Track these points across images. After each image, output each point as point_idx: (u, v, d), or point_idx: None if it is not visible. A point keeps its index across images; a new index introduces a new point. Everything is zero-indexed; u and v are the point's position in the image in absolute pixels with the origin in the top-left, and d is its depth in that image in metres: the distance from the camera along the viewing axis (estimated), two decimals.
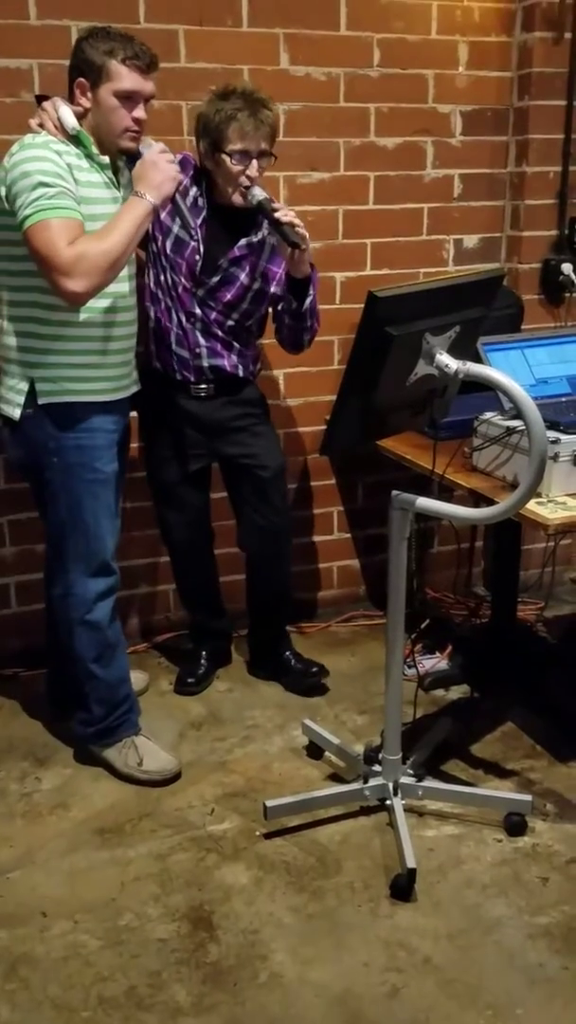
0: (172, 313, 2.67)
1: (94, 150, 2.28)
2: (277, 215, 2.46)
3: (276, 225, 2.46)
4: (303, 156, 3.09)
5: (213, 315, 2.66)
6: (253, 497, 2.84)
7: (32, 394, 2.33)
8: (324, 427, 2.14)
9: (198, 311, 2.65)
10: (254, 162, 2.51)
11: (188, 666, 3.07)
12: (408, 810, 2.36)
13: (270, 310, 2.76)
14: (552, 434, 2.23)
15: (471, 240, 3.40)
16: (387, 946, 2.02)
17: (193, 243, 2.60)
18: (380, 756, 2.39)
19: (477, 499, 2.44)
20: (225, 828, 2.38)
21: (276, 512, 2.86)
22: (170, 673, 3.11)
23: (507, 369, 2.54)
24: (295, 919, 2.10)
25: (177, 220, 2.57)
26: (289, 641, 3.09)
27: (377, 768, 2.40)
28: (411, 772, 2.41)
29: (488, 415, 2.50)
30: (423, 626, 3.20)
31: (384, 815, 2.40)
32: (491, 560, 3.47)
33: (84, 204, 2.22)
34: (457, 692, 3.02)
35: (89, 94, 2.26)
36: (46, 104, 2.29)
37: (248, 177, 2.51)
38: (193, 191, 2.62)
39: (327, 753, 2.64)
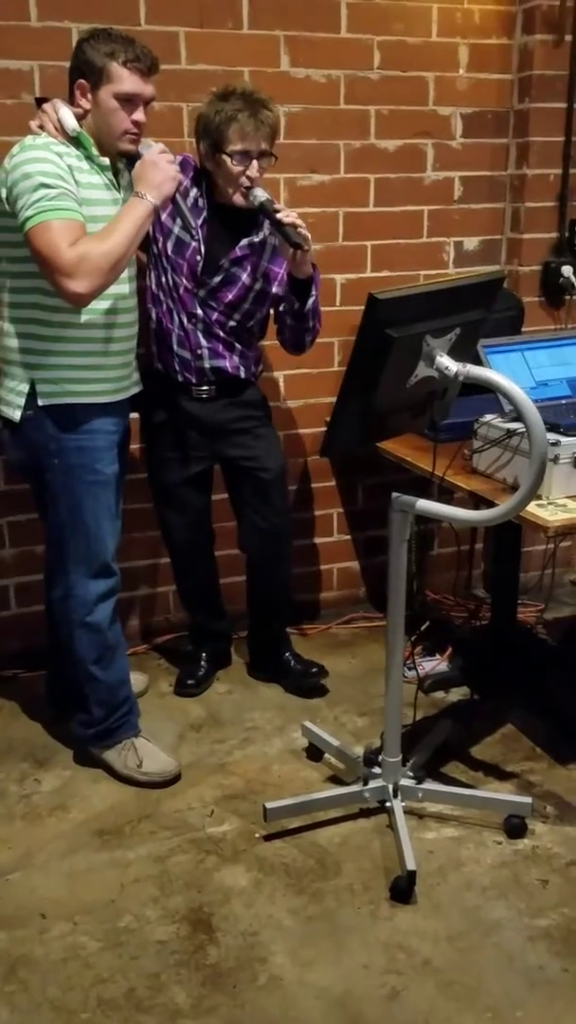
0: (174, 314, 2.67)
1: (94, 152, 2.29)
2: (279, 216, 2.46)
3: (278, 226, 2.47)
4: (303, 158, 3.09)
5: (215, 316, 2.66)
6: (254, 499, 2.84)
7: (33, 395, 2.33)
8: (324, 429, 2.14)
9: (199, 312, 2.65)
10: (255, 162, 2.52)
11: (188, 668, 3.07)
12: (408, 812, 2.36)
13: (271, 311, 2.76)
14: (552, 436, 2.23)
15: (471, 242, 3.40)
16: (387, 948, 2.02)
17: (194, 243, 2.60)
18: (380, 758, 2.39)
19: (477, 501, 2.44)
20: (225, 830, 2.38)
21: (277, 514, 2.86)
22: (170, 675, 3.11)
23: (507, 371, 2.54)
24: (295, 921, 2.10)
25: (178, 221, 2.58)
26: (289, 643, 3.09)
27: (377, 770, 2.40)
28: (411, 774, 2.41)
29: (488, 417, 2.50)
30: (423, 628, 3.20)
31: (384, 817, 2.39)
32: (491, 562, 3.47)
33: (84, 206, 2.22)
34: (457, 694, 3.02)
35: (89, 96, 2.26)
36: (46, 106, 2.29)
37: (249, 178, 2.52)
38: (193, 192, 2.62)
39: (327, 755, 2.64)
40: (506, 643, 3.15)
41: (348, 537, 3.52)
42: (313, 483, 3.42)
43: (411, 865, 2.14)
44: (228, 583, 3.12)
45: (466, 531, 3.52)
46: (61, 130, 2.25)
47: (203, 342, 2.68)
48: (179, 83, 2.87)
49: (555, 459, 2.28)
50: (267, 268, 2.67)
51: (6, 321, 2.34)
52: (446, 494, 2.59)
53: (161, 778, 2.54)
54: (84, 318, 2.30)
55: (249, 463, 2.80)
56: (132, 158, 2.31)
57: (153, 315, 2.71)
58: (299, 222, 2.47)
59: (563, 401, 2.70)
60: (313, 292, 2.62)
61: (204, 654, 3.09)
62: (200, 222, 2.60)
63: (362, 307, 1.85)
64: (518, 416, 1.95)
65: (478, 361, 2.51)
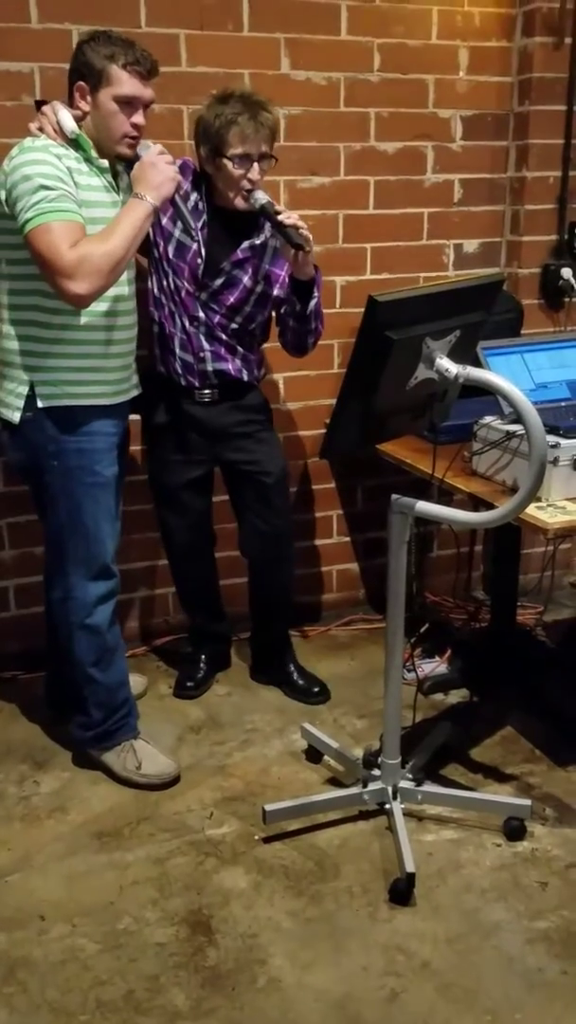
0: (176, 318, 2.67)
1: (93, 154, 2.29)
2: (280, 217, 2.46)
3: (280, 228, 2.47)
4: (303, 161, 3.09)
5: (216, 318, 2.67)
6: (256, 503, 2.83)
7: (32, 397, 2.33)
8: (324, 431, 2.14)
9: (201, 315, 2.66)
10: (255, 165, 2.52)
11: (187, 670, 3.07)
12: (407, 814, 2.36)
13: (273, 314, 2.77)
14: (552, 438, 2.24)
15: (471, 245, 3.41)
16: (386, 950, 2.02)
17: (194, 246, 2.60)
18: (379, 760, 2.39)
19: (477, 503, 2.44)
20: (224, 832, 2.38)
21: (278, 517, 2.86)
22: (169, 677, 3.11)
23: (507, 373, 2.54)
24: (294, 923, 2.10)
25: (178, 224, 2.58)
26: (292, 650, 3.08)
27: (376, 772, 2.40)
28: (410, 776, 2.41)
29: (488, 419, 2.51)
30: (422, 630, 3.19)
31: (383, 819, 2.39)
32: (490, 564, 3.47)
33: (84, 208, 2.22)
34: (456, 696, 3.01)
35: (89, 98, 2.26)
36: (45, 108, 2.29)
37: (250, 180, 2.52)
38: (194, 196, 2.62)
39: (326, 757, 2.64)
40: (505, 645, 3.15)
41: (347, 539, 3.52)
42: (313, 485, 3.42)
43: (410, 867, 2.14)
44: (228, 584, 3.12)
45: (465, 533, 3.52)
46: (60, 132, 2.25)
47: (205, 345, 2.68)
48: (179, 85, 2.87)
49: (554, 461, 2.28)
50: (268, 270, 2.67)
51: (6, 323, 2.34)
52: (446, 496, 2.59)
53: (160, 780, 2.54)
54: (84, 320, 2.30)
55: (251, 467, 2.80)
56: (130, 160, 2.31)
57: (155, 319, 2.71)
58: (300, 223, 2.47)
59: (562, 403, 2.70)
60: (315, 293, 2.62)
61: (203, 656, 3.09)
62: (200, 225, 2.60)
63: (362, 309, 1.85)
64: (518, 418, 1.95)
65: (478, 363, 2.51)
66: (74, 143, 2.27)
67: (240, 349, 2.72)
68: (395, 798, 2.35)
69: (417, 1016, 1.87)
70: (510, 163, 3.36)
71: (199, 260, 2.62)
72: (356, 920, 2.11)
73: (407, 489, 2.26)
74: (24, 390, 2.33)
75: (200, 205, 2.62)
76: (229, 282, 2.65)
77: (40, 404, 2.33)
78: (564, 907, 2.14)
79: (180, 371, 2.70)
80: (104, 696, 2.54)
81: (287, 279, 2.65)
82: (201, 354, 2.68)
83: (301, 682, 3.00)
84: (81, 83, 2.26)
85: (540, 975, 1.96)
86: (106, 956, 2.01)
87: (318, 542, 3.48)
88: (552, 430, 2.29)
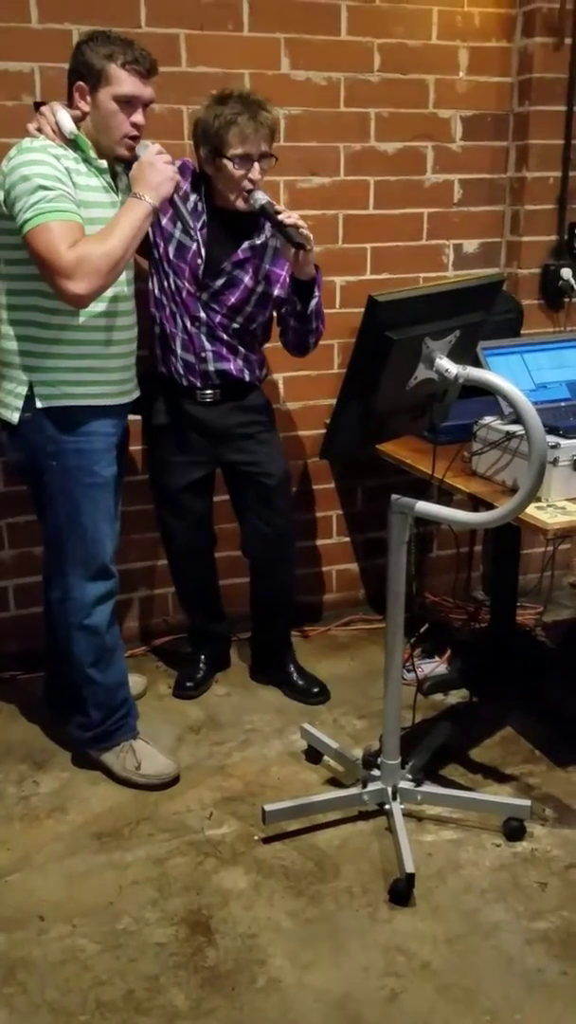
0: (177, 318, 2.67)
1: (92, 154, 2.28)
2: (280, 217, 2.46)
3: (280, 227, 2.47)
4: (303, 161, 3.09)
5: (218, 318, 2.66)
6: (257, 504, 2.83)
7: (31, 397, 2.33)
8: (324, 431, 2.14)
9: (203, 315, 2.65)
10: (256, 165, 2.52)
11: (187, 670, 3.07)
12: (407, 815, 2.36)
13: (274, 314, 2.77)
14: (552, 439, 2.24)
15: (471, 245, 3.41)
16: (386, 951, 2.02)
17: (195, 246, 2.60)
18: (379, 760, 2.38)
19: (476, 503, 2.44)
20: (223, 832, 2.38)
21: (280, 519, 2.85)
22: (168, 677, 3.11)
23: (507, 374, 2.54)
24: (293, 924, 2.10)
25: (178, 225, 2.58)
26: (292, 651, 3.08)
27: (376, 772, 2.40)
28: (410, 777, 2.41)
29: (488, 420, 2.51)
30: (422, 630, 3.19)
31: (383, 820, 2.39)
32: (490, 564, 3.47)
33: (83, 208, 2.22)
34: (456, 696, 3.01)
35: (88, 98, 2.26)
36: (44, 108, 2.29)
37: (251, 180, 2.52)
38: (193, 197, 2.62)
39: (326, 757, 2.64)
40: (505, 646, 3.15)
41: (347, 539, 3.52)
42: (313, 485, 3.42)
43: (410, 868, 2.14)
44: (227, 585, 3.12)
45: (465, 533, 3.52)
46: (59, 133, 2.25)
47: (207, 345, 2.68)
48: (179, 85, 2.87)
49: (554, 461, 2.28)
50: (269, 270, 2.67)
51: (4, 323, 2.34)
52: (445, 496, 2.59)
53: (160, 780, 2.54)
54: (82, 320, 2.30)
55: (252, 469, 2.80)
56: (129, 161, 2.30)
57: (156, 319, 2.70)
58: (300, 223, 2.47)
59: (562, 403, 2.70)
60: (316, 293, 2.62)
61: (203, 656, 3.09)
62: (200, 225, 2.60)
63: (362, 309, 1.85)
64: (517, 418, 1.95)
65: (478, 363, 2.51)
66: (73, 144, 2.26)
67: (242, 349, 2.72)
68: (395, 798, 2.35)
69: (417, 1016, 1.87)
70: (510, 163, 3.36)
71: (199, 260, 2.62)
72: (356, 920, 2.11)
73: (407, 489, 2.26)
74: (23, 390, 2.33)
75: (200, 206, 2.62)
76: (230, 282, 2.64)
77: (39, 404, 2.33)
78: (564, 907, 2.14)
79: (182, 371, 2.70)
80: (103, 696, 2.54)
81: (288, 279, 2.65)
82: (203, 354, 2.68)
83: (301, 682, 3.00)
84: (80, 83, 2.26)
85: (540, 976, 1.96)
86: (106, 956, 2.01)
87: (318, 542, 3.48)
88: (552, 430, 2.29)
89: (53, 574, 2.51)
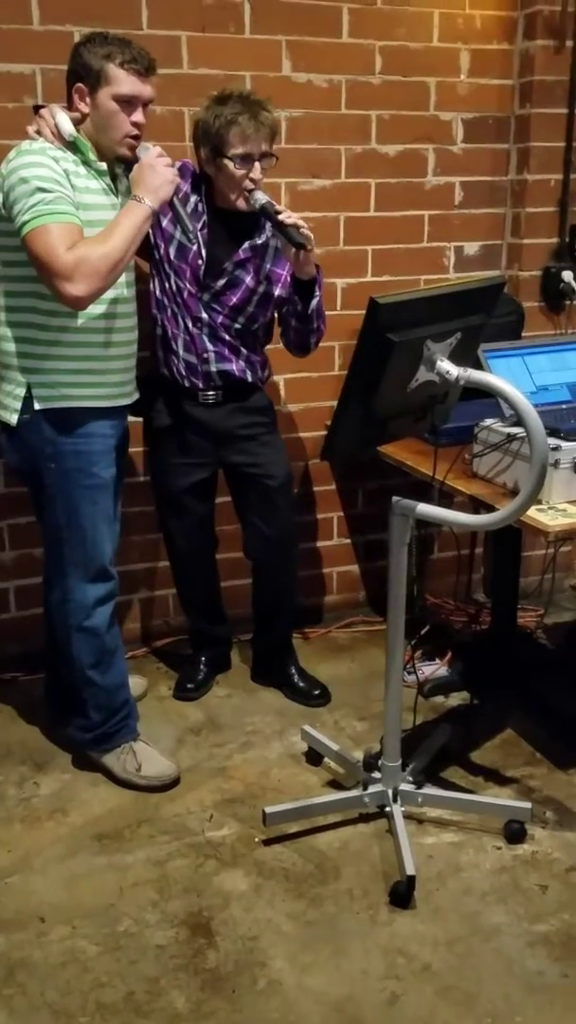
0: (179, 319, 2.67)
1: (92, 156, 2.28)
2: (280, 217, 2.46)
3: (280, 227, 2.47)
4: (304, 163, 3.10)
5: (220, 319, 2.66)
6: (259, 506, 2.83)
7: (29, 399, 2.33)
8: (325, 432, 2.14)
9: (204, 315, 2.65)
10: (257, 164, 2.52)
11: (187, 672, 3.07)
12: (407, 817, 2.36)
13: (276, 314, 2.77)
14: (553, 441, 2.24)
15: (472, 247, 3.41)
16: (386, 953, 2.02)
17: (195, 248, 2.60)
18: (380, 763, 2.38)
19: (477, 505, 2.44)
20: (224, 834, 2.38)
21: (282, 521, 2.85)
22: (169, 678, 3.10)
23: (508, 376, 2.54)
24: (294, 926, 2.10)
25: (179, 226, 2.58)
26: (294, 653, 3.07)
27: (377, 775, 2.39)
28: (411, 779, 2.41)
29: (489, 422, 2.50)
30: (423, 632, 3.19)
31: (383, 822, 2.39)
32: (491, 566, 3.47)
33: (82, 210, 2.22)
34: (457, 699, 3.01)
35: (88, 99, 2.26)
36: (43, 111, 2.29)
37: (252, 180, 2.52)
38: (193, 198, 2.62)
39: (326, 759, 2.63)
40: (506, 648, 3.14)
41: (348, 541, 3.52)
42: (313, 487, 3.42)
43: (410, 870, 2.14)
44: (228, 586, 3.12)
45: (466, 535, 3.52)
46: (58, 135, 2.25)
47: (209, 346, 2.68)
48: (181, 87, 2.87)
49: (555, 464, 2.28)
50: (270, 270, 2.67)
51: (3, 325, 2.34)
52: (446, 498, 2.59)
53: (160, 782, 2.54)
54: (81, 322, 2.30)
55: (254, 470, 2.80)
56: (130, 163, 2.30)
57: (158, 321, 2.71)
58: (301, 223, 2.47)
59: (563, 406, 2.70)
60: (317, 293, 2.63)
61: (204, 658, 3.09)
62: (200, 226, 2.61)
63: (363, 311, 1.85)
64: (518, 420, 1.95)
65: (479, 365, 2.51)
66: (72, 146, 2.26)
67: (243, 350, 2.72)
68: (395, 801, 2.35)
69: (417, 1019, 1.86)
70: (511, 166, 3.36)
71: (200, 261, 2.62)
72: (356, 923, 2.11)
73: (408, 491, 2.26)
74: (21, 392, 2.33)
75: (200, 207, 2.62)
76: (231, 283, 2.65)
77: (37, 406, 2.33)
78: (564, 910, 2.13)
79: (184, 372, 2.70)
80: (103, 698, 2.54)
81: (289, 278, 2.65)
82: (205, 355, 2.68)
83: (302, 684, 3.00)
84: (79, 85, 2.26)
85: (540, 978, 1.96)
86: (106, 958, 2.01)
87: (319, 544, 3.48)
88: (553, 432, 2.29)
89: (53, 576, 2.51)
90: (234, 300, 2.66)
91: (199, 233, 2.60)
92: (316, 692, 2.97)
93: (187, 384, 2.71)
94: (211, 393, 2.73)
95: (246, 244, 2.64)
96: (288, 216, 2.47)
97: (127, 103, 2.25)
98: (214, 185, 2.60)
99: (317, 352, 2.83)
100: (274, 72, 3.00)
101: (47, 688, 2.82)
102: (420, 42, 3.14)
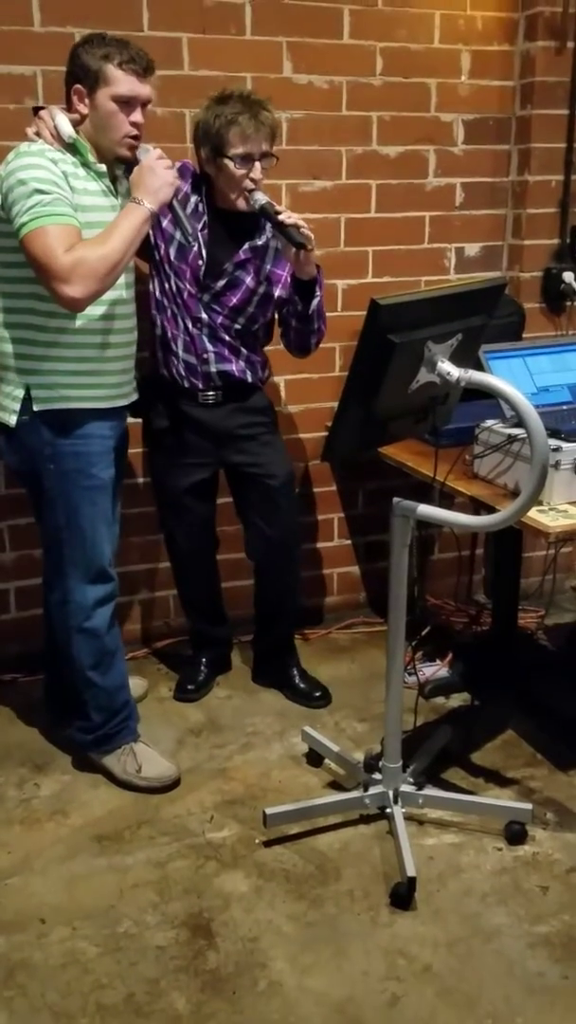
0: (178, 320, 2.67)
1: (91, 158, 2.28)
2: (281, 217, 2.47)
3: (280, 227, 2.47)
4: (305, 164, 3.10)
5: (219, 320, 2.67)
6: (261, 506, 2.83)
7: (28, 400, 2.33)
8: (325, 433, 2.14)
9: (204, 316, 2.66)
10: (257, 164, 2.52)
11: (188, 673, 3.07)
12: (408, 818, 2.36)
13: (276, 315, 2.77)
14: (553, 442, 2.24)
15: (473, 248, 3.41)
16: (387, 954, 2.02)
17: (195, 248, 2.61)
18: (380, 764, 2.38)
19: (478, 507, 2.44)
20: (224, 836, 2.38)
21: (284, 521, 2.85)
22: (169, 679, 3.10)
23: (509, 377, 2.53)
24: (294, 927, 2.09)
25: (179, 228, 2.58)
26: (296, 654, 3.07)
27: (377, 776, 2.39)
28: (411, 780, 2.41)
29: (489, 423, 2.50)
30: (424, 633, 3.19)
31: (384, 823, 2.39)
32: (492, 568, 3.47)
33: (81, 212, 2.22)
34: (457, 700, 3.01)
35: (86, 100, 2.26)
36: (42, 113, 2.29)
37: (252, 180, 2.52)
38: (194, 198, 2.62)
39: (327, 761, 2.63)
40: (507, 649, 3.14)
41: (349, 542, 3.52)
42: (314, 488, 3.42)
43: (411, 871, 2.14)
44: (229, 587, 3.12)
45: (466, 536, 3.52)
46: (57, 137, 2.25)
47: (209, 346, 2.68)
48: (182, 88, 2.87)
49: (556, 465, 2.28)
50: (270, 271, 2.67)
51: (1, 327, 2.34)
52: (447, 499, 2.59)
53: (160, 783, 2.54)
54: (80, 324, 2.30)
55: (255, 470, 2.80)
56: (130, 164, 2.31)
57: (157, 321, 2.71)
58: (301, 223, 2.47)
59: (564, 407, 2.70)
60: (317, 293, 2.63)
61: (204, 659, 3.09)
62: (200, 227, 2.61)
63: (363, 312, 1.85)
64: (519, 422, 1.95)
65: (479, 367, 2.51)
66: (71, 148, 2.26)
67: (243, 350, 2.72)
68: (396, 802, 2.35)
69: (418, 1020, 1.86)
70: (512, 167, 3.36)
71: (200, 262, 2.62)
72: (357, 924, 2.10)
73: (408, 492, 2.26)
74: (20, 393, 2.33)
75: (200, 207, 2.63)
76: (231, 283, 2.65)
77: (36, 407, 2.33)
78: (565, 911, 2.13)
79: (183, 373, 2.70)
80: (104, 699, 2.54)
81: (289, 279, 2.65)
82: (204, 356, 2.68)
83: (303, 685, 3.00)
84: (78, 86, 2.26)
85: (541, 979, 1.95)
86: (106, 959, 2.01)
87: (319, 545, 3.48)
88: (554, 434, 2.29)
89: (52, 577, 2.51)
90: (234, 301, 2.66)
91: (199, 234, 2.60)
92: (317, 693, 2.97)
93: (187, 385, 2.71)
94: (211, 393, 2.73)
95: (246, 245, 2.64)
96: (288, 216, 2.47)
97: (126, 103, 2.25)
98: (214, 185, 2.60)
99: (318, 353, 2.83)
100: (275, 73, 3.00)
101: (47, 689, 2.82)
102: (421, 43, 3.14)
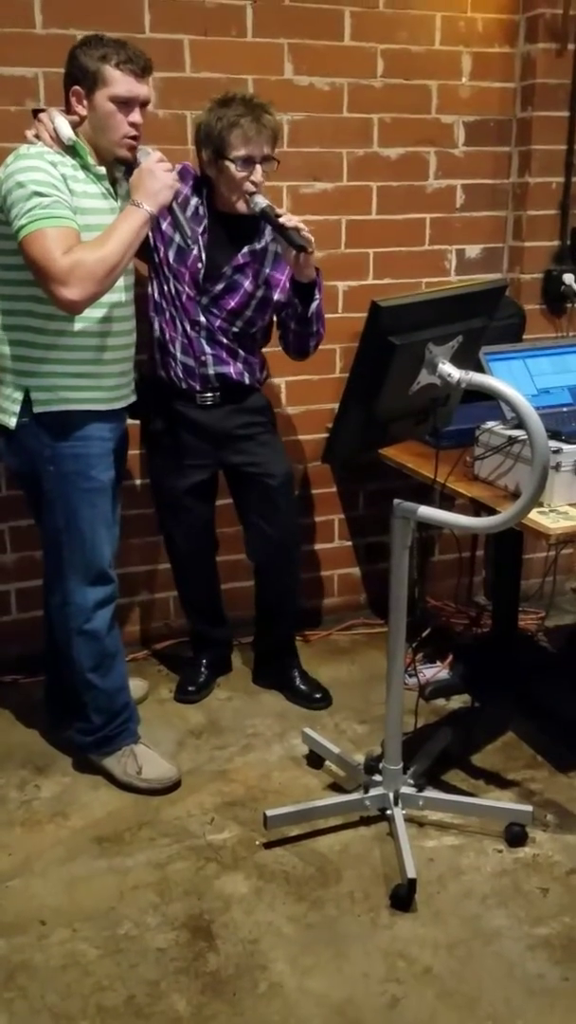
0: (177, 322, 2.67)
1: (90, 160, 2.28)
2: (281, 220, 2.47)
3: (281, 230, 2.47)
4: (306, 166, 3.10)
5: (218, 323, 2.67)
6: (260, 506, 2.83)
7: (27, 403, 2.33)
8: (325, 435, 2.14)
9: (202, 319, 2.66)
10: (258, 167, 2.52)
11: (188, 674, 3.07)
12: (408, 820, 2.36)
13: (274, 318, 2.77)
14: (554, 444, 2.23)
15: (473, 250, 3.41)
16: (387, 956, 2.02)
17: (195, 252, 2.61)
18: (381, 766, 2.38)
19: (479, 508, 2.44)
20: (225, 837, 2.38)
21: (284, 521, 2.85)
22: (170, 681, 3.10)
23: (509, 379, 2.54)
24: (295, 929, 2.09)
25: (178, 231, 2.58)
26: (296, 656, 3.07)
27: (378, 778, 2.39)
28: (412, 782, 2.41)
29: (490, 424, 2.50)
30: (424, 635, 3.19)
31: (384, 825, 2.39)
32: (492, 569, 3.47)
33: (80, 214, 2.22)
34: (458, 701, 3.01)
35: (85, 101, 2.26)
36: (42, 115, 2.29)
37: (253, 183, 2.52)
38: (194, 201, 2.62)
39: (327, 762, 2.63)
40: (507, 650, 3.14)
41: (349, 543, 3.52)
42: (314, 489, 3.42)
43: (411, 873, 2.14)
44: (229, 588, 3.12)
45: (467, 537, 3.52)
46: (57, 139, 2.25)
47: (207, 349, 2.68)
48: (183, 90, 2.88)
49: (557, 467, 2.28)
50: (269, 275, 2.68)
51: (1, 329, 2.34)
52: (447, 501, 2.59)
53: (161, 785, 2.54)
54: (79, 326, 2.30)
55: (254, 469, 2.80)
56: (130, 166, 2.31)
57: (156, 324, 2.71)
58: (301, 225, 2.47)
59: (565, 408, 2.70)
60: (317, 296, 2.63)
61: (204, 661, 3.09)
62: (200, 230, 2.61)
63: (364, 314, 1.85)
64: (520, 423, 1.95)
65: (480, 368, 2.51)
66: (71, 150, 2.26)
67: (241, 352, 2.72)
68: (396, 804, 2.35)
69: (418, 1022, 1.86)
70: (512, 169, 3.37)
71: (199, 265, 2.62)
72: (357, 926, 2.10)
73: (409, 494, 2.26)
74: (19, 395, 2.33)
75: (201, 210, 2.63)
76: (230, 287, 2.65)
77: (36, 410, 2.33)
78: (565, 913, 2.13)
79: (181, 375, 2.70)
80: (104, 701, 2.54)
81: (287, 283, 2.65)
82: (202, 358, 2.68)
83: (303, 687, 3.00)
84: (76, 87, 2.26)
85: (541, 981, 1.95)
86: (107, 961, 2.01)
87: (319, 546, 3.48)
88: (554, 435, 2.29)
89: (53, 579, 2.51)
90: (232, 304, 2.66)
91: (199, 237, 2.60)
92: (317, 695, 2.97)
93: (184, 386, 2.71)
94: (209, 395, 2.73)
95: (245, 249, 2.64)
96: (289, 219, 2.47)
97: (124, 104, 2.25)
98: (215, 188, 2.60)
99: (318, 355, 2.83)
100: (276, 75, 3.00)
101: (48, 691, 2.82)
102: (422, 45, 3.15)
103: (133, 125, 2.28)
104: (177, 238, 2.61)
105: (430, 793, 2.40)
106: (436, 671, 3.09)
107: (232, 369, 2.72)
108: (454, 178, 3.31)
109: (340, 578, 3.54)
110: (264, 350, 2.86)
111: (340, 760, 2.56)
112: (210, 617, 3.08)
